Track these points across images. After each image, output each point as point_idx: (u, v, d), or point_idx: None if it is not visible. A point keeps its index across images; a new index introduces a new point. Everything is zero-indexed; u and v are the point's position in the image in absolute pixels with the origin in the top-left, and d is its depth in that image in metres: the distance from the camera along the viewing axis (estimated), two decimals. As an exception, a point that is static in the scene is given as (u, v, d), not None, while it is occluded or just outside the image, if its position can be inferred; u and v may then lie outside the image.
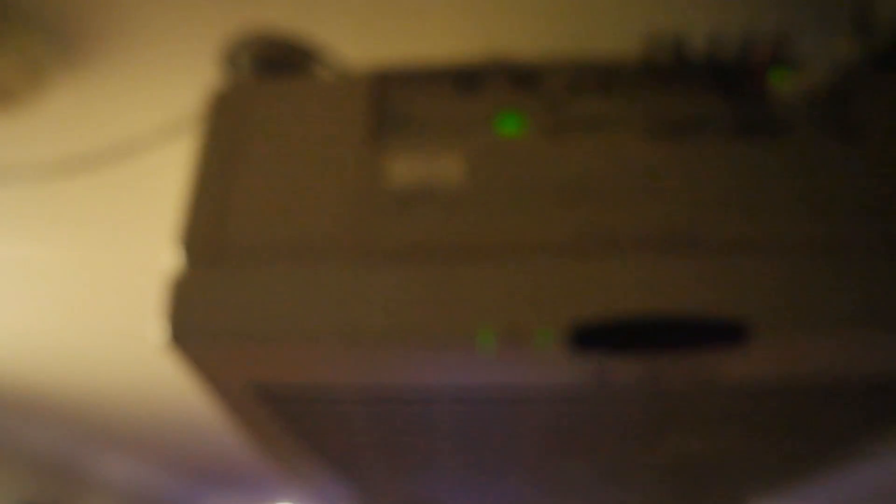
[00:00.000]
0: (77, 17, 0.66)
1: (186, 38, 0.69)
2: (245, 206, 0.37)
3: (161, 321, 0.33)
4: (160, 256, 0.37)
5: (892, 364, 0.37)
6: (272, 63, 0.44)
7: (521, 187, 0.36)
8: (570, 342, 0.32)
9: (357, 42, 0.68)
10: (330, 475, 0.61)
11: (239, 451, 2.65)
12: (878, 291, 0.33)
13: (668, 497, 0.70)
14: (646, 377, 0.37)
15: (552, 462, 0.55)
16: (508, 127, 0.39)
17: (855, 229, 0.35)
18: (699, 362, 0.35)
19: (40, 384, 1.87)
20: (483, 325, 0.33)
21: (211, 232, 0.36)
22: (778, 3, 0.62)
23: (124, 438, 2.48)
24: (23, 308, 1.39)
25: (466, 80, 0.40)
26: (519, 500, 0.71)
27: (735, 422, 0.46)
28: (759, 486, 0.67)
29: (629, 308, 0.33)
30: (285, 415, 0.44)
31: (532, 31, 0.67)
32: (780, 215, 0.35)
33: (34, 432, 2.37)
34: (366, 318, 0.33)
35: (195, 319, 0.33)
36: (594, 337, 0.33)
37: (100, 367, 1.72)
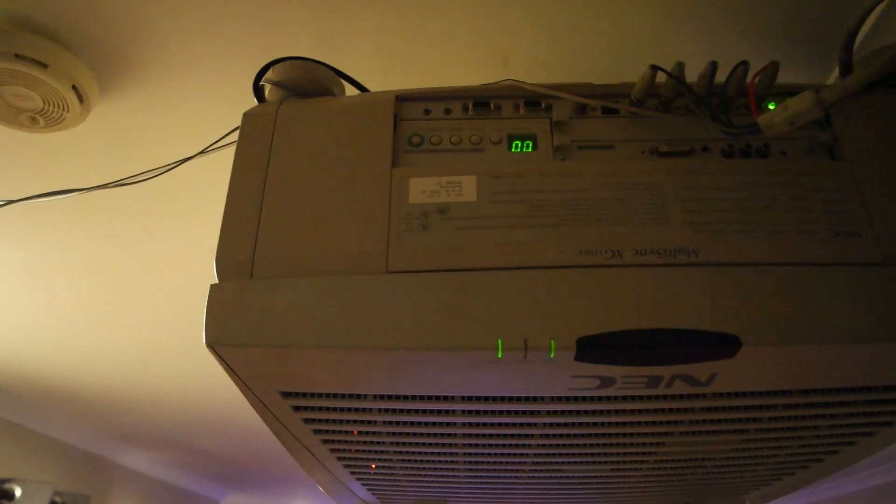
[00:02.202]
0: (119, 49, 0.70)
1: (220, 66, 0.73)
2: (273, 222, 0.39)
3: (203, 328, 0.36)
4: (207, 268, 0.40)
5: (886, 374, 0.39)
6: (300, 89, 0.46)
7: (532, 205, 0.39)
8: (578, 354, 0.35)
9: (381, 76, 0.72)
10: (350, 477, 0.63)
11: (262, 453, 2.70)
12: (867, 305, 0.35)
13: (671, 498, 0.71)
14: (646, 386, 0.39)
15: (559, 464, 0.57)
16: (520, 147, 0.42)
17: (841, 245, 0.37)
18: (694, 372, 0.37)
19: (75, 381, 1.92)
20: (499, 337, 0.35)
21: (242, 248, 0.38)
22: (769, 37, 0.65)
23: (153, 436, 2.53)
24: (46, 309, 1.44)
25: (481, 103, 0.43)
26: (526, 500, 0.73)
27: (733, 426, 0.48)
28: (760, 487, 0.68)
29: (631, 323, 0.35)
30: (311, 419, 0.46)
31: (543, 63, 0.70)
32: (772, 232, 0.38)
33: (69, 427, 2.42)
34: (388, 329, 0.35)
35: (226, 328, 0.36)
36: (599, 349, 0.35)
37: (135, 367, 1.77)
